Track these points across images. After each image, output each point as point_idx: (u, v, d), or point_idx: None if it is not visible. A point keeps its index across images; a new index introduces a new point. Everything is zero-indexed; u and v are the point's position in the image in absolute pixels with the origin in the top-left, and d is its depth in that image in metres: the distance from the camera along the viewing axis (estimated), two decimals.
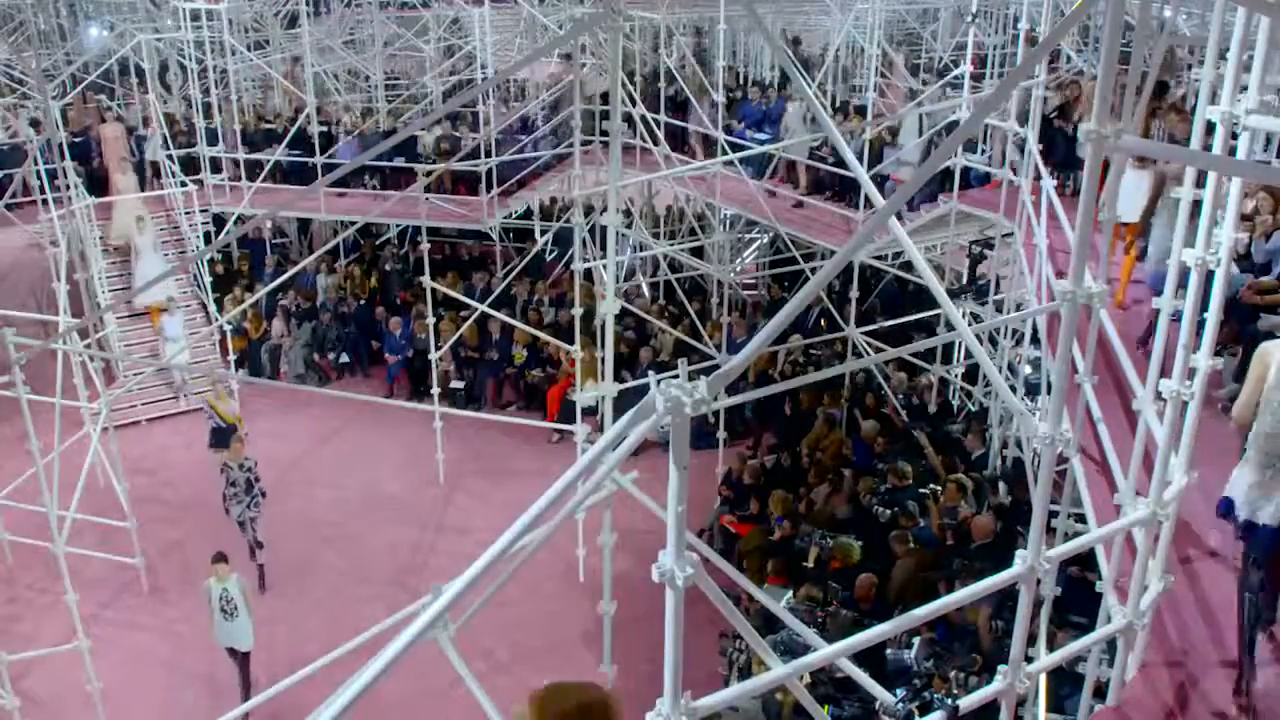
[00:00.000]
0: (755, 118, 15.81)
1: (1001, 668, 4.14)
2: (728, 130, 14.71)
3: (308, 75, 16.60)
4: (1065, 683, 6.74)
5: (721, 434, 12.43)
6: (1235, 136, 4.25)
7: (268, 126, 17.60)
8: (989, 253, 12.70)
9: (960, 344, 12.82)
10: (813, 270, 13.97)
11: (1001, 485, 10.00)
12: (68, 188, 12.96)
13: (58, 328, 11.10)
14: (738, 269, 17.10)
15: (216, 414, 12.47)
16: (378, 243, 18.39)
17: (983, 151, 13.24)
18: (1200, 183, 4.69)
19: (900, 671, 7.81)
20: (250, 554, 10.79)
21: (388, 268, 17.39)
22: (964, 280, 13.48)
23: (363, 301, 16.47)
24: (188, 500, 12.43)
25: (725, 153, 13.41)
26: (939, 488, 10.07)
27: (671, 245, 15.42)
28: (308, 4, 17.80)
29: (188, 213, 15.24)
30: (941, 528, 9.45)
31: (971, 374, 13.11)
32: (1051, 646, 5.29)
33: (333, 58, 20.06)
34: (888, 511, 10.19)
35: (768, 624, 8.12)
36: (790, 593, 8.94)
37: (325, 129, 16.42)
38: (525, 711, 2.76)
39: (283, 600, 10.57)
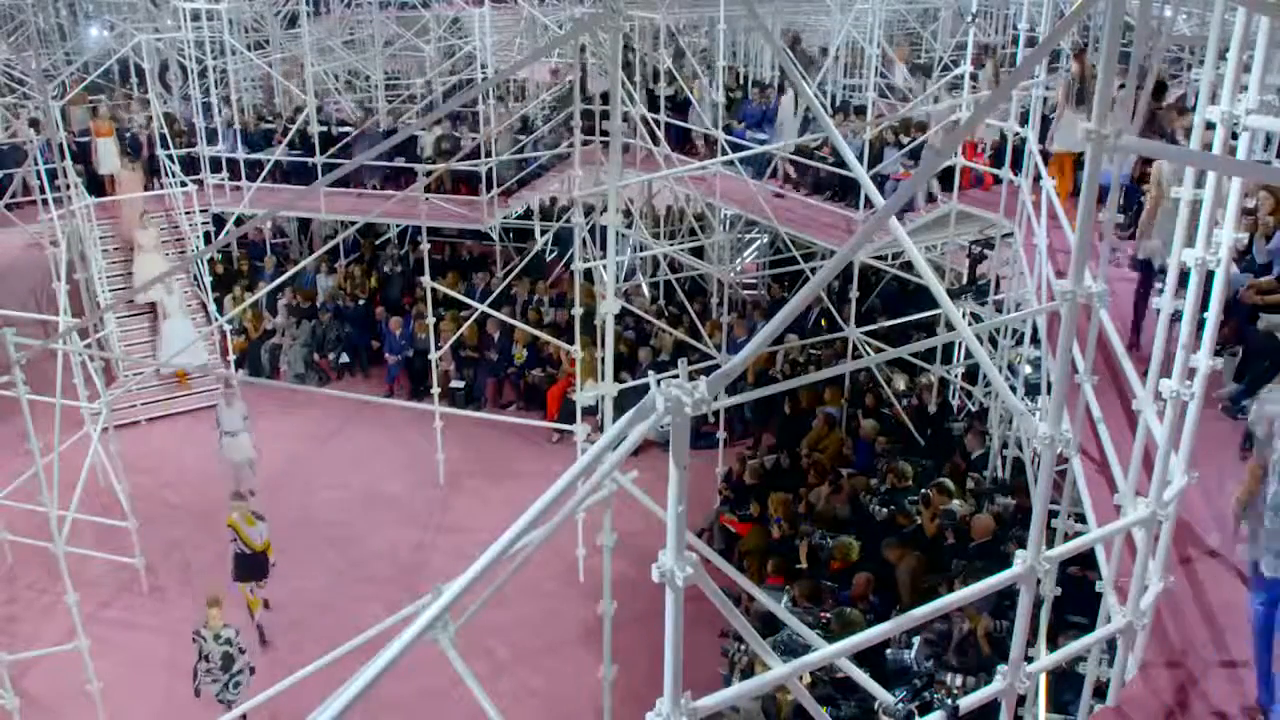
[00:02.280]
0: (755, 118, 15.81)
1: (1001, 668, 4.14)
2: (727, 130, 14.71)
3: (308, 75, 16.60)
4: (1067, 689, 6.73)
5: (721, 434, 12.43)
6: (1235, 136, 4.25)
7: (267, 126, 17.60)
8: (989, 253, 12.70)
9: (960, 344, 12.82)
10: (813, 270, 13.97)
11: (999, 498, 9.99)
12: (68, 188, 12.95)
13: (58, 328, 11.09)
14: (738, 269, 17.10)
15: (241, 539, 9.83)
16: (378, 243, 18.39)
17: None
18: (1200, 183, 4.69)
19: (900, 671, 7.81)
20: None
21: (387, 268, 17.38)
22: (964, 280, 13.49)
23: (362, 301, 16.46)
24: (188, 500, 12.42)
25: (725, 153, 13.41)
26: (929, 492, 10.08)
27: (671, 245, 15.42)
28: (308, 4, 17.80)
29: (188, 213, 15.23)
30: (940, 528, 9.44)
31: (971, 374, 13.11)
32: (1052, 646, 5.29)
33: (333, 58, 20.07)
34: (884, 510, 10.18)
35: (768, 624, 8.12)
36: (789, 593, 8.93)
37: (325, 129, 16.43)
38: None
39: (283, 601, 10.56)
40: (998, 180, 11.71)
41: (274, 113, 18.73)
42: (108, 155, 15.77)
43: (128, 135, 17.01)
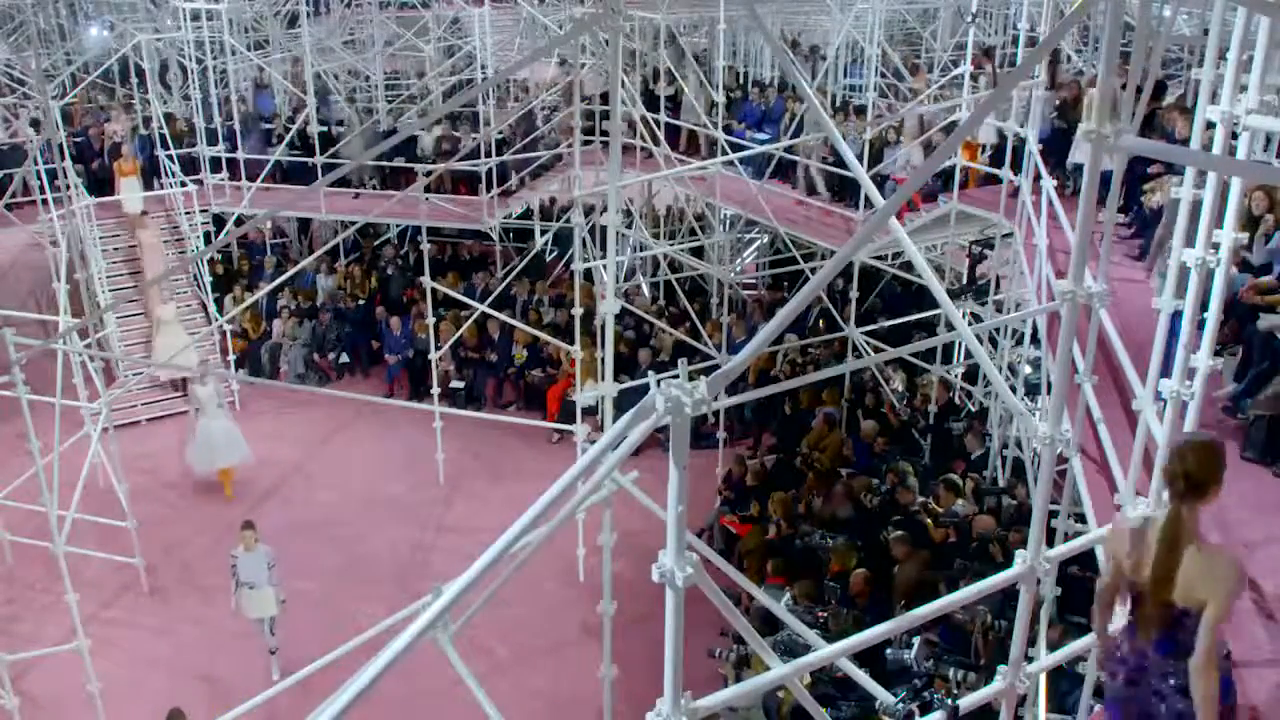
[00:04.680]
0: (755, 118, 15.81)
1: (1001, 668, 4.14)
2: (727, 130, 14.70)
3: (308, 75, 16.60)
4: (1064, 680, 6.74)
5: (721, 434, 12.43)
6: (1235, 136, 4.25)
7: (267, 127, 17.60)
8: (989, 253, 12.70)
9: (960, 344, 12.82)
10: (813, 270, 13.98)
11: (1004, 498, 9.98)
12: (68, 188, 12.94)
13: (58, 328, 11.09)
14: (738, 269, 17.10)
15: None
16: (377, 243, 18.40)
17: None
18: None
19: (900, 671, 7.80)
20: None
21: (389, 271, 17.37)
22: (964, 280, 13.49)
23: (362, 301, 16.47)
24: (188, 500, 12.42)
25: (725, 153, 13.41)
26: (928, 499, 10.06)
27: (671, 245, 15.42)
28: (308, 4, 17.80)
29: (188, 213, 15.22)
30: (941, 526, 9.44)
31: (971, 374, 13.11)
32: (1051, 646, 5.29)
33: (333, 58, 20.06)
34: (892, 528, 10.10)
35: (768, 624, 8.12)
36: (789, 592, 8.93)
37: (325, 129, 16.43)
38: None
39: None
40: (995, 180, 11.72)
41: (274, 113, 18.72)
42: (131, 195, 15.25)
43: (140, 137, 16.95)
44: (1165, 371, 4.45)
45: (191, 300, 15.38)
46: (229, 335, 15.33)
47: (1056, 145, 11.55)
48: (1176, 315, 6.95)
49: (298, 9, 18.15)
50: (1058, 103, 11.98)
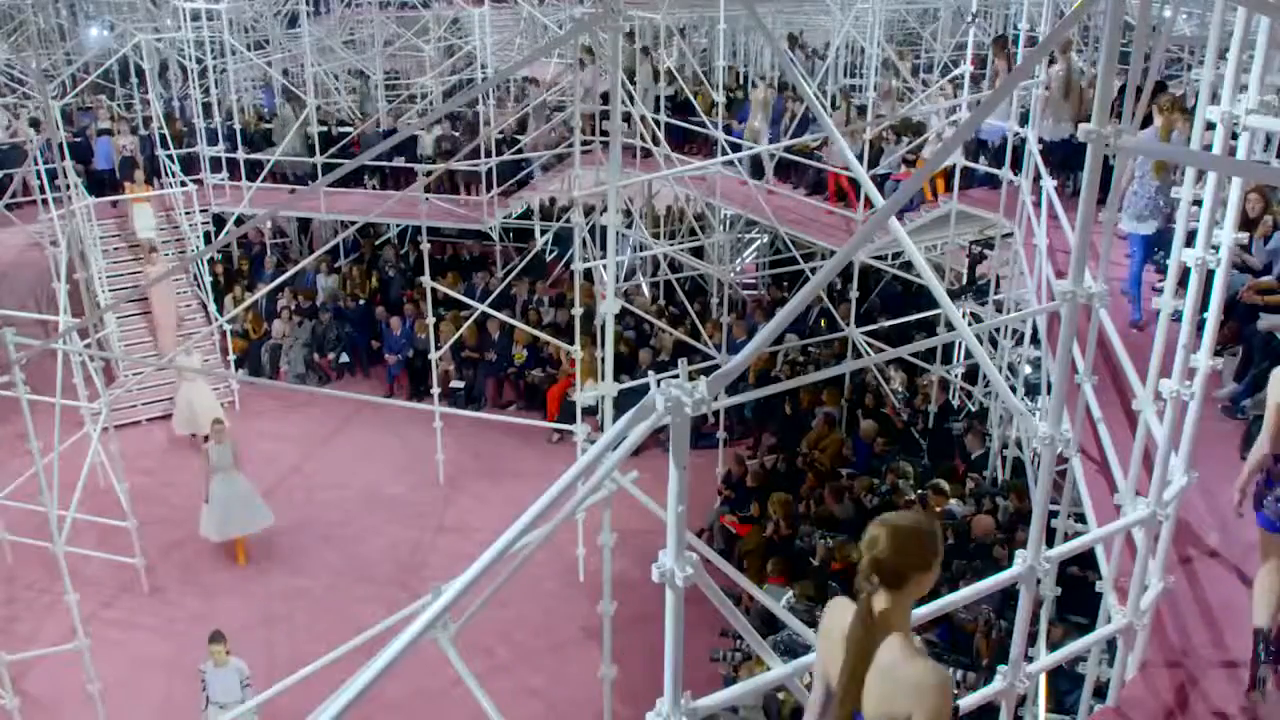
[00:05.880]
0: None
1: (1001, 668, 4.14)
2: (727, 130, 14.71)
3: (308, 75, 16.61)
4: (1065, 678, 6.74)
5: (721, 434, 12.42)
6: (1235, 136, 4.25)
7: (267, 126, 17.61)
8: (989, 253, 12.70)
9: (960, 344, 12.82)
10: (813, 270, 13.97)
11: (999, 500, 9.98)
12: (68, 188, 12.94)
13: (58, 328, 11.08)
14: (738, 269, 17.10)
15: None
16: (377, 243, 18.41)
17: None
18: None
19: None
20: None
21: (390, 271, 17.37)
22: (964, 280, 13.49)
23: (362, 301, 16.47)
24: (188, 500, 12.39)
25: (725, 153, 13.41)
26: (926, 493, 10.06)
27: (671, 245, 15.42)
28: (308, 4, 17.81)
29: (188, 213, 15.23)
30: (940, 528, 9.43)
31: (971, 374, 13.11)
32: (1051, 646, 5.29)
33: (333, 58, 20.07)
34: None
35: (768, 624, 8.12)
36: (790, 592, 8.93)
37: (325, 129, 16.43)
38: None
39: (283, 601, 10.56)
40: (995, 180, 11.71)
41: (274, 113, 18.73)
42: (144, 221, 15.09)
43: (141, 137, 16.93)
44: (1165, 371, 4.45)
45: (191, 300, 15.37)
46: (229, 335, 15.32)
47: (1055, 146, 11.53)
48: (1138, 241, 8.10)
49: (298, 9, 18.16)
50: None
